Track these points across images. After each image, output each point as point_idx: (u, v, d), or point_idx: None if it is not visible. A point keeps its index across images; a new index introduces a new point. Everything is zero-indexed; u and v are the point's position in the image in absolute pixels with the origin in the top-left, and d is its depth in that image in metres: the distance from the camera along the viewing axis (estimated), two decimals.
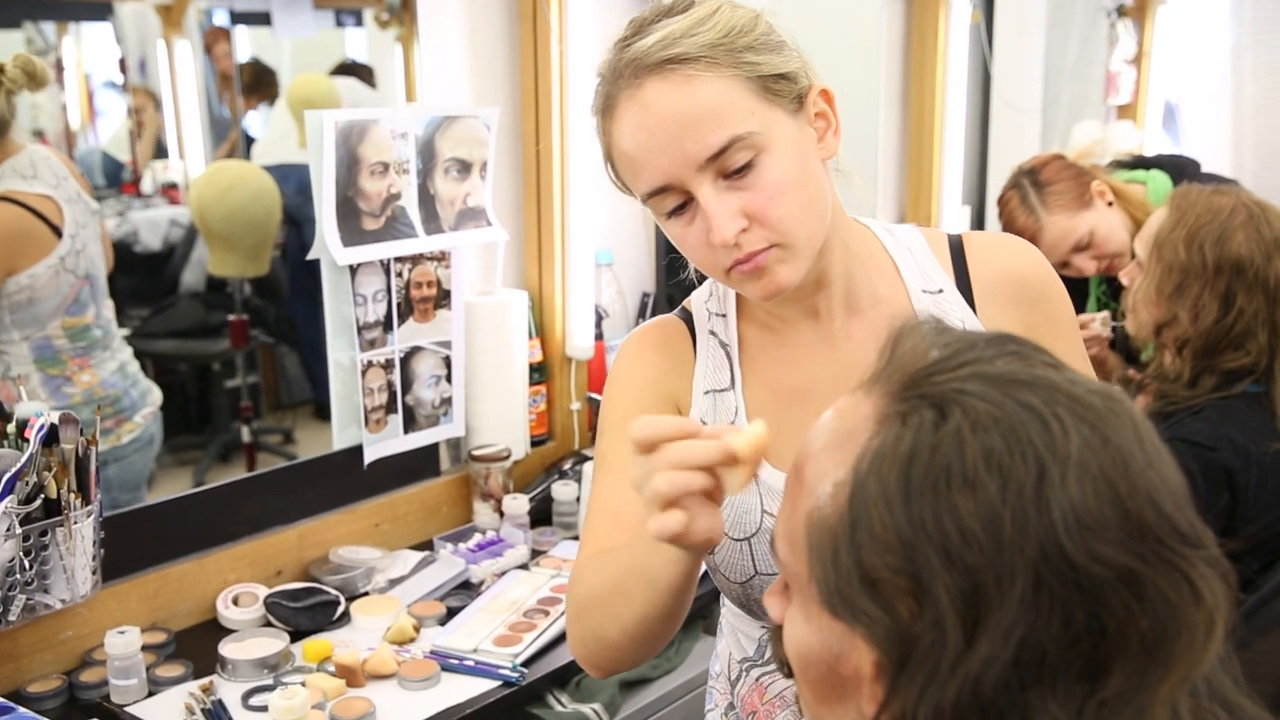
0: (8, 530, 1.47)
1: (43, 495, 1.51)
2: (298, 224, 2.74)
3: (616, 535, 1.05)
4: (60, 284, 1.93)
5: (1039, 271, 1.13)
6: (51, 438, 1.52)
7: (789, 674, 0.76)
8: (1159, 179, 2.44)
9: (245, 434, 2.71)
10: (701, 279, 1.15)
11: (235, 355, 2.83)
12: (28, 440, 1.50)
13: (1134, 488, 0.62)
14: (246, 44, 3.17)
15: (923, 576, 0.61)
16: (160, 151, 3.00)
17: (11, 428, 1.53)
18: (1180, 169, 2.48)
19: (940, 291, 1.11)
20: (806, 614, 0.70)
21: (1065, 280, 2.61)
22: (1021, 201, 2.34)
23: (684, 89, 0.96)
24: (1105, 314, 2.29)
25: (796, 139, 1.01)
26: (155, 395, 2.16)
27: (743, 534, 1.09)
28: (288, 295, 2.96)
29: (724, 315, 1.15)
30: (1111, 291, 2.45)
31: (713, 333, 1.15)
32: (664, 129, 0.97)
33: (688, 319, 1.17)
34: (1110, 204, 2.34)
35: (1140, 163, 2.59)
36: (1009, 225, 2.37)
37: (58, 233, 1.92)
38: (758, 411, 1.12)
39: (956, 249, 1.14)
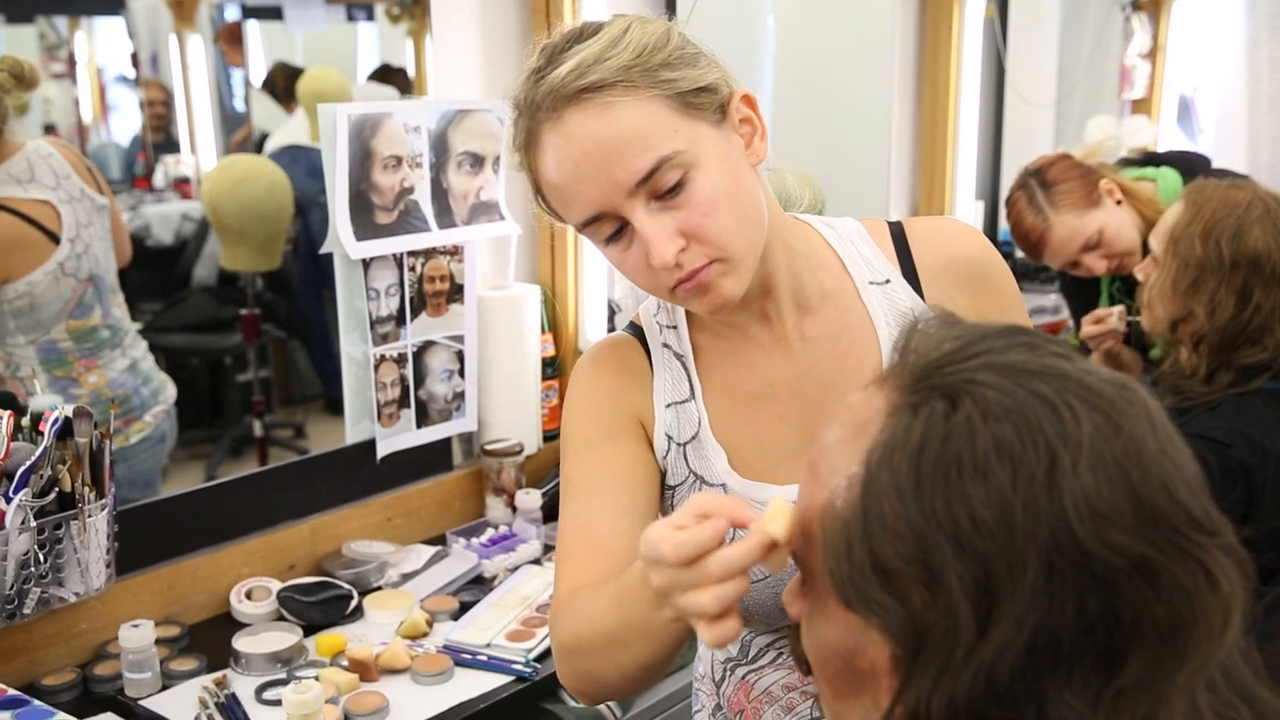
0: (22, 523, 1.47)
1: (57, 489, 1.51)
2: (304, 210, 2.73)
3: (593, 563, 1.03)
4: (61, 289, 1.90)
5: (982, 252, 1.13)
6: (66, 431, 1.52)
7: (808, 671, 0.76)
8: (1169, 176, 2.43)
9: (257, 428, 2.71)
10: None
11: (247, 350, 2.84)
12: (42, 434, 1.50)
13: (1147, 475, 0.62)
14: (258, 39, 3.17)
15: (935, 565, 0.61)
16: (172, 146, 3.00)
17: (26, 421, 1.53)
18: (1190, 165, 2.47)
19: (887, 282, 1.11)
20: (823, 609, 0.70)
21: (1076, 280, 2.61)
22: (1029, 202, 2.33)
23: (604, 116, 0.95)
24: (1121, 308, 2.27)
25: (724, 150, 0.99)
26: (169, 392, 2.15)
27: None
28: (298, 290, 2.97)
29: (675, 327, 1.14)
30: (1125, 289, 2.44)
31: (666, 345, 1.13)
32: (589, 159, 0.95)
33: (639, 334, 1.15)
34: (1119, 202, 2.33)
35: (1149, 160, 2.57)
36: (1017, 226, 2.36)
37: (55, 239, 1.88)
38: (720, 418, 1.10)
39: (899, 237, 1.13)
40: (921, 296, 1.10)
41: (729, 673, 1.22)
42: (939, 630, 0.61)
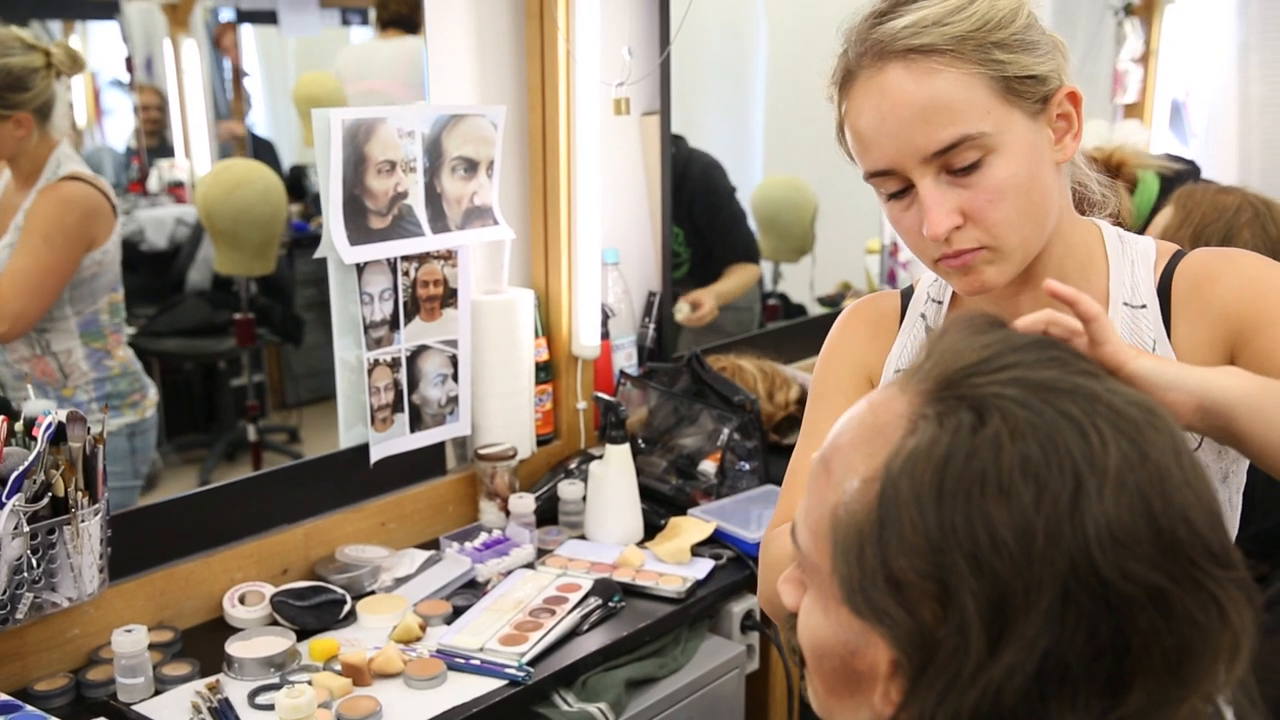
0: (15, 528, 1.47)
1: (50, 494, 1.51)
2: None
3: None
4: (115, 261, 2.03)
5: (1234, 292, 1.03)
6: (59, 436, 1.52)
7: (802, 663, 0.76)
8: (1149, 181, 2.43)
9: (251, 433, 2.71)
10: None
11: (241, 354, 2.84)
12: (35, 439, 1.50)
13: (1169, 505, 0.61)
14: (253, 43, 3.18)
15: (950, 582, 0.61)
16: (166, 150, 3.00)
17: (19, 426, 1.53)
18: (1177, 174, 2.46)
19: (1143, 307, 1.07)
20: (824, 607, 0.70)
21: None
22: None
23: (923, 80, 0.96)
24: None
25: (1030, 142, 0.99)
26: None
27: None
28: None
29: (940, 302, 1.17)
30: None
31: (923, 315, 1.17)
32: (896, 116, 0.97)
33: (907, 295, 1.19)
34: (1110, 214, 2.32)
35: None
36: None
37: (115, 211, 2.02)
38: None
39: (1172, 264, 1.09)
40: (1168, 328, 1.06)
41: None
42: (948, 646, 0.61)
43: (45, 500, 1.50)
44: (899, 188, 1.01)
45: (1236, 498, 1.13)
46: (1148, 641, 0.60)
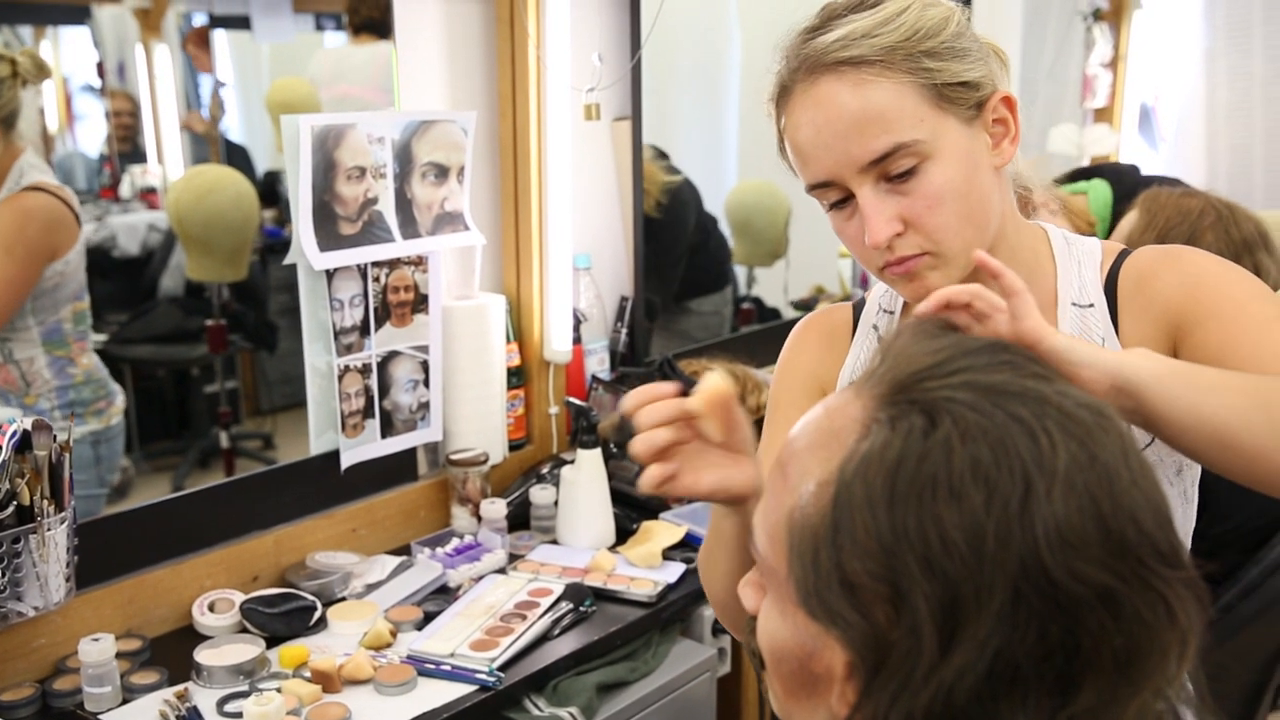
0: None
1: (15, 502, 1.50)
2: None
3: None
4: (79, 270, 2.03)
5: (1174, 287, 1.04)
6: (25, 444, 1.51)
7: (762, 665, 0.76)
8: (1099, 188, 2.46)
9: (224, 439, 2.70)
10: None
11: (214, 360, 2.83)
12: (0, 447, 1.49)
13: (1117, 506, 0.62)
14: (226, 48, 3.16)
15: (902, 584, 0.61)
16: (138, 156, 2.98)
17: None
18: (1119, 176, 2.50)
19: (1090, 306, 1.08)
20: (782, 610, 0.71)
21: None
22: None
23: (855, 91, 0.97)
24: None
25: (966, 148, 1.00)
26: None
27: None
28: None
29: (892, 312, 1.17)
30: None
31: (875, 326, 1.17)
32: (830, 128, 0.98)
33: (859, 307, 1.20)
34: (1054, 212, 2.34)
35: (1080, 174, 2.61)
36: None
37: (78, 221, 2.02)
38: None
39: (1118, 263, 1.09)
40: (1116, 327, 1.07)
41: None
42: (901, 648, 0.62)
43: (10, 509, 1.50)
44: (839, 198, 1.02)
45: (1192, 490, 1.14)
46: (1097, 641, 0.61)
